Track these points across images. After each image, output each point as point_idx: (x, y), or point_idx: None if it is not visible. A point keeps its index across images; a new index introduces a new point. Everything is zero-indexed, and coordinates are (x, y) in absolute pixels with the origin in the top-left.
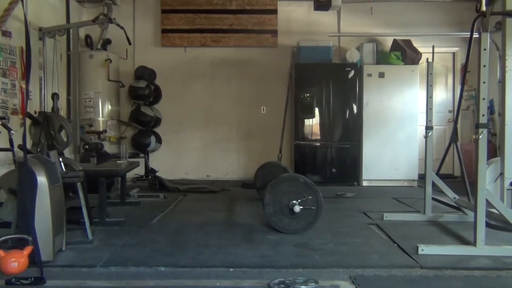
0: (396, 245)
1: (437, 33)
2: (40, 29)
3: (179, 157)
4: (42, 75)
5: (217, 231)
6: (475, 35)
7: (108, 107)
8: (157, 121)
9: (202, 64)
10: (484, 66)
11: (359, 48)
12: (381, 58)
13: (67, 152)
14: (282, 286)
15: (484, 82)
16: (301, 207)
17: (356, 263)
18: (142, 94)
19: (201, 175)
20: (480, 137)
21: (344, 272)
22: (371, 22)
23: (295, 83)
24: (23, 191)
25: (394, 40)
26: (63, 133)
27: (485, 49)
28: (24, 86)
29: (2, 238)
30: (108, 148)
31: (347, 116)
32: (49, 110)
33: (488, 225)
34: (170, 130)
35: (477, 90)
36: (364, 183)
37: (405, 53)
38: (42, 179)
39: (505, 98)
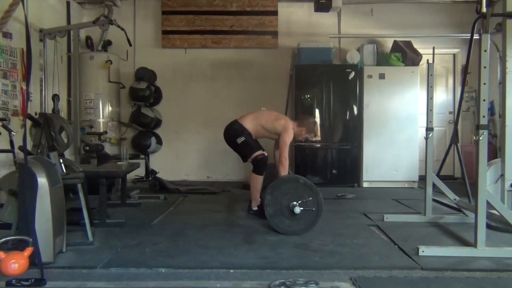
0: (396, 246)
1: (437, 35)
2: (40, 31)
3: (179, 159)
4: (43, 76)
5: (217, 232)
6: (476, 37)
7: (108, 108)
8: (158, 122)
9: (203, 66)
10: (485, 67)
11: (359, 50)
12: (382, 59)
13: (68, 154)
14: (282, 287)
15: (484, 84)
16: (302, 208)
17: (356, 264)
18: (142, 95)
19: (202, 177)
20: (480, 138)
21: (344, 273)
22: (372, 24)
23: (296, 85)
24: (23, 192)
25: (395, 42)
26: (63, 135)
27: (485, 51)
28: (24, 87)
29: (3, 240)
30: (109, 149)
31: (347, 117)
32: (50, 111)
33: (488, 226)
34: (170, 132)
35: (477, 92)
36: (365, 185)
37: (406, 55)
38: (42, 181)
39: (505, 100)
